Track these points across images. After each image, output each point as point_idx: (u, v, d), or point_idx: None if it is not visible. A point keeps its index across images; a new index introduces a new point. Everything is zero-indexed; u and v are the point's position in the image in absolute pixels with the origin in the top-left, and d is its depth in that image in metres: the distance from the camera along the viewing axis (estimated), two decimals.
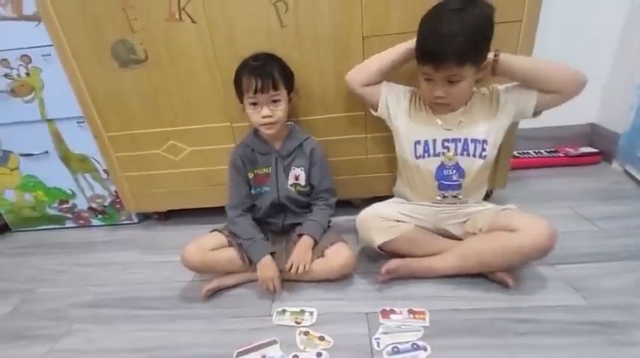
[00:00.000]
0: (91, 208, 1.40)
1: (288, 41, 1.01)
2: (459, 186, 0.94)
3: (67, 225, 1.45)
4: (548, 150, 1.55)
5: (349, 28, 0.99)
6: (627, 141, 1.35)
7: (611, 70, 1.43)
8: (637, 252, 0.96)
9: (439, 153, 0.93)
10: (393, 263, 0.92)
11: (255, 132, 1.03)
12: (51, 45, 1.07)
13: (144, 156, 1.21)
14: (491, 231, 0.89)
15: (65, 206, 1.40)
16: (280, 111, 0.95)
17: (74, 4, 1.01)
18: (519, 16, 0.94)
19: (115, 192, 1.33)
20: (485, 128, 0.90)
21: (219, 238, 1.01)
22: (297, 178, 1.03)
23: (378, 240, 0.93)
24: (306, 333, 0.82)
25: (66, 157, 1.29)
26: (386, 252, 0.96)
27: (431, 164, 0.94)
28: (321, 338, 0.80)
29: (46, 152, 1.28)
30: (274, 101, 0.94)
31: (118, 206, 1.38)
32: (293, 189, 1.04)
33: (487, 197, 1.19)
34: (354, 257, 0.97)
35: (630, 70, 1.34)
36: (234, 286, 1.00)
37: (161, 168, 1.24)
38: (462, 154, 0.92)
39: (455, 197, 0.96)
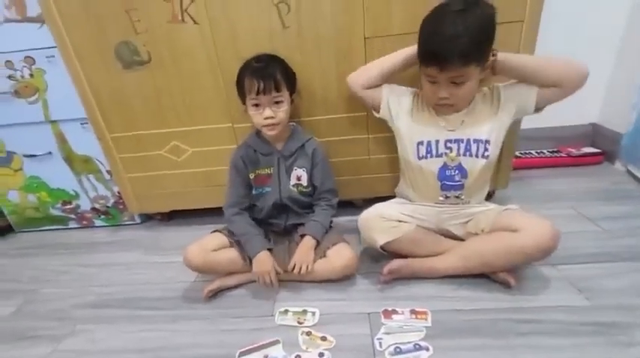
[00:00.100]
0: (94, 209, 1.41)
1: (290, 42, 1.02)
2: (461, 187, 0.94)
3: (70, 226, 1.46)
4: (550, 150, 1.55)
5: (351, 29, 0.99)
6: (629, 141, 1.34)
7: (613, 69, 1.43)
8: None
9: (442, 153, 0.93)
10: (395, 263, 0.92)
11: (258, 132, 1.03)
12: (55, 46, 1.08)
13: (147, 157, 1.22)
14: (494, 231, 0.89)
15: (68, 207, 1.40)
16: (282, 112, 0.95)
17: (77, 5, 1.01)
18: (521, 17, 0.95)
19: (118, 192, 1.34)
20: (487, 128, 0.90)
21: (221, 239, 1.01)
22: (299, 179, 1.04)
23: (381, 240, 0.93)
24: (309, 333, 0.83)
25: (69, 158, 1.30)
26: (388, 253, 0.96)
27: (433, 165, 0.94)
28: (324, 339, 0.81)
29: (50, 153, 1.29)
30: (276, 102, 0.94)
31: (121, 207, 1.38)
32: (295, 189, 1.04)
33: (489, 197, 1.19)
34: (356, 257, 0.97)
35: (632, 69, 1.33)
36: (236, 286, 1.00)
37: (164, 169, 1.24)
38: (464, 155, 0.92)
39: (457, 197, 0.96)
